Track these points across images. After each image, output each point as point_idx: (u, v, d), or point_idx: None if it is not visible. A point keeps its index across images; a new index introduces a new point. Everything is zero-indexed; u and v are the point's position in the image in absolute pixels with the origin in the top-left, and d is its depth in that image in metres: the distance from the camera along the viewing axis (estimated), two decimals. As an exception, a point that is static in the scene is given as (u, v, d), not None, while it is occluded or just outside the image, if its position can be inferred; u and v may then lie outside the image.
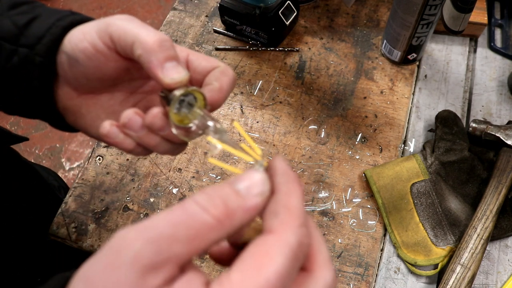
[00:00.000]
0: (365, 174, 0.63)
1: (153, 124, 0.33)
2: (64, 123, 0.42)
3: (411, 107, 0.70)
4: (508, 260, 0.58)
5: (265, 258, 0.22)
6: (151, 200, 0.62)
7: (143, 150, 0.37)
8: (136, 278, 0.20)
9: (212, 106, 0.34)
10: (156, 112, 0.33)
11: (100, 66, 0.35)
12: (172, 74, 0.31)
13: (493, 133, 0.61)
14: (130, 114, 0.34)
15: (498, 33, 0.77)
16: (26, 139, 0.61)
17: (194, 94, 0.33)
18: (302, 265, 0.24)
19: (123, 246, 0.21)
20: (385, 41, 0.72)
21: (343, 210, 0.61)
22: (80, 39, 0.34)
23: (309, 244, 0.24)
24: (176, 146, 0.37)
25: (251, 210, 0.24)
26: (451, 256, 0.57)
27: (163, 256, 0.21)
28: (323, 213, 0.61)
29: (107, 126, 0.35)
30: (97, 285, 0.20)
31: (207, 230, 0.22)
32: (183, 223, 0.22)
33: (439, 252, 0.57)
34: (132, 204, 0.62)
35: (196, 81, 0.37)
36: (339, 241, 0.59)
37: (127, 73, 0.38)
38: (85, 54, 0.35)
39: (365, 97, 0.70)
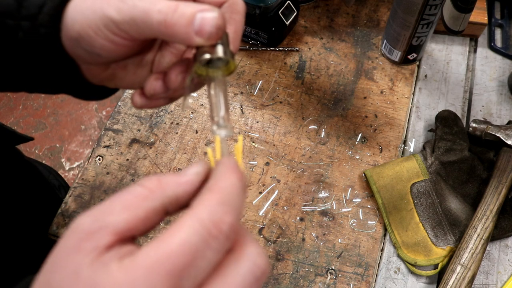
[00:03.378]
0: (365, 174, 0.63)
1: (175, 87, 0.35)
2: (89, 94, 0.40)
3: (411, 107, 0.70)
4: (508, 260, 0.58)
5: (172, 231, 0.22)
6: (151, 200, 0.62)
7: (176, 98, 0.38)
8: (74, 243, 0.23)
9: (234, 50, 0.34)
10: (174, 78, 0.34)
11: (117, 52, 0.33)
12: (200, 39, 0.30)
13: (493, 133, 0.61)
14: (152, 85, 0.35)
15: (498, 33, 0.77)
16: (31, 138, 0.61)
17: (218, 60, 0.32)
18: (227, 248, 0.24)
19: (73, 223, 0.24)
20: (385, 41, 0.72)
21: (343, 210, 0.61)
22: (92, 37, 0.32)
23: (231, 224, 0.23)
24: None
25: (183, 183, 0.25)
26: (451, 256, 0.57)
27: (98, 224, 0.23)
28: (323, 213, 0.61)
29: (138, 101, 0.36)
30: (50, 255, 0.23)
31: (140, 199, 0.24)
32: (119, 197, 0.24)
33: (439, 252, 0.57)
34: (132, 204, 0.62)
35: None
36: (339, 241, 0.59)
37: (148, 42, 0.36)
38: (102, 49, 0.33)
39: (365, 97, 0.70)
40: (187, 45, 0.32)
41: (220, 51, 0.31)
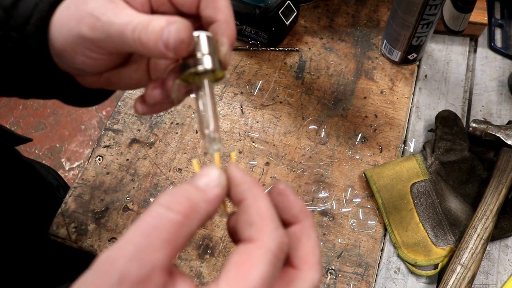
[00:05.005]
0: (365, 174, 0.63)
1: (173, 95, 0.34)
2: (83, 101, 0.40)
3: (411, 107, 0.70)
4: (508, 260, 0.58)
5: (249, 267, 0.23)
6: (151, 200, 0.62)
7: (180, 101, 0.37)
8: None
9: (231, 43, 0.32)
10: (171, 85, 0.33)
11: (100, 66, 0.33)
12: (171, 53, 0.29)
13: (493, 133, 0.61)
14: (152, 95, 0.34)
15: (498, 33, 0.77)
16: (30, 140, 0.62)
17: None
18: (286, 260, 0.26)
19: (108, 267, 0.21)
20: (385, 41, 0.72)
21: (343, 210, 0.61)
22: (72, 55, 0.32)
23: (288, 242, 0.25)
24: None
25: (212, 200, 0.25)
26: (451, 256, 0.57)
27: (147, 267, 0.21)
28: (323, 213, 0.61)
29: (140, 109, 0.35)
30: None
31: (178, 228, 0.23)
32: (155, 229, 0.22)
33: (439, 252, 0.57)
34: (132, 204, 0.62)
35: (187, 13, 0.32)
36: (339, 241, 0.59)
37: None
38: (83, 65, 0.33)
39: (365, 97, 0.70)
40: (164, 59, 0.32)
41: (202, 63, 0.29)
